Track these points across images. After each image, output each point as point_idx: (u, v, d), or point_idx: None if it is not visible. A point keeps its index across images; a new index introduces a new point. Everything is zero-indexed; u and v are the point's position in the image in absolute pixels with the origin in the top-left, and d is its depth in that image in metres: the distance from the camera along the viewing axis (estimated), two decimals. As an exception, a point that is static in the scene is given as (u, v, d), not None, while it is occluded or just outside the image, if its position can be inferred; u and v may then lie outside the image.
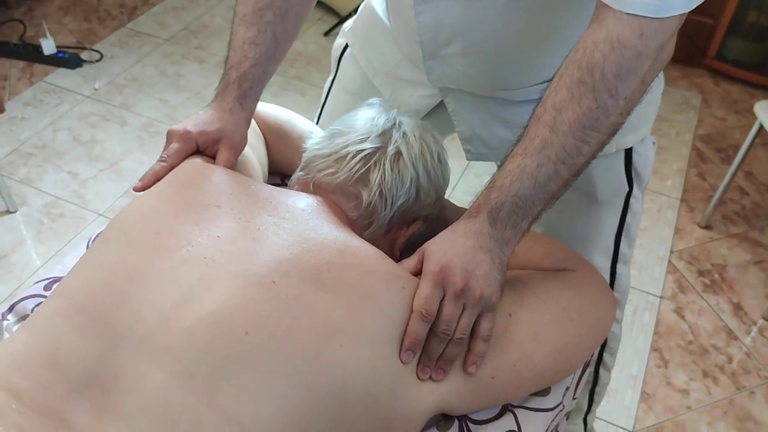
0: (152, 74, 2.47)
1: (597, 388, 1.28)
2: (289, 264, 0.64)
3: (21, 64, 2.45)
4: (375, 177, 0.76)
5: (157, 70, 2.49)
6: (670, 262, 1.91)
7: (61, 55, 2.44)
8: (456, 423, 0.75)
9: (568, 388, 0.81)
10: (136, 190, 0.76)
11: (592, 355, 0.83)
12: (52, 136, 2.17)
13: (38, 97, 2.32)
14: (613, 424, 1.53)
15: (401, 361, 0.65)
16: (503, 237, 0.70)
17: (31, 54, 2.44)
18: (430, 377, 0.68)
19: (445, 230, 0.72)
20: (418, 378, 0.67)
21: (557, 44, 0.77)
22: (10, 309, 0.84)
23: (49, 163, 2.07)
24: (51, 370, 0.57)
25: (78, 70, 2.45)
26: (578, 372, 0.85)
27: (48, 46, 2.43)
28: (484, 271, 0.68)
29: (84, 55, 2.50)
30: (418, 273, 0.71)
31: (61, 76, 2.42)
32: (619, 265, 1.06)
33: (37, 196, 1.96)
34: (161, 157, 0.77)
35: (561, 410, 0.81)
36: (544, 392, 0.78)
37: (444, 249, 0.69)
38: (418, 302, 0.66)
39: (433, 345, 0.67)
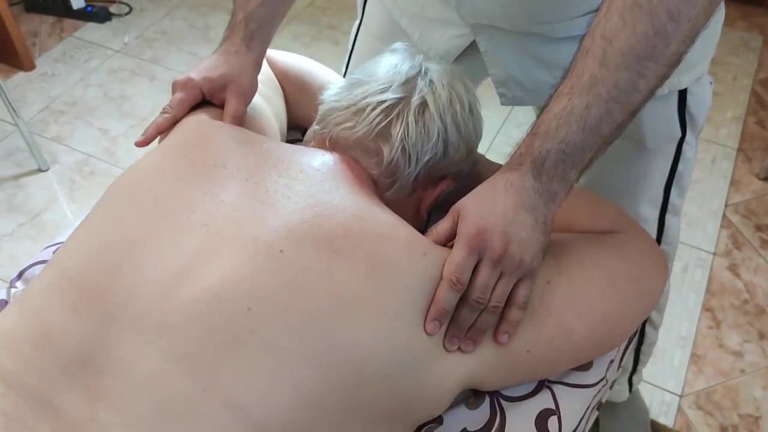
0: (182, 27, 2.40)
1: (643, 347, 1.20)
2: (300, 230, 0.58)
3: (50, 19, 2.41)
4: (397, 131, 0.68)
5: (186, 23, 2.42)
6: (724, 216, 1.79)
7: (89, 9, 2.39)
8: (487, 400, 0.69)
9: (612, 361, 0.74)
10: (138, 144, 0.71)
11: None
12: (83, 92, 2.14)
13: (68, 52, 2.28)
14: (661, 388, 1.46)
15: (426, 332, 0.58)
16: (550, 190, 0.62)
17: (60, 9, 2.40)
18: (459, 349, 0.61)
19: (482, 185, 0.64)
20: (446, 349, 0.61)
21: None
22: (19, 276, 0.81)
23: (79, 120, 2.04)
24: (41, 350, 0.53)
25: (107, 24, 2.40)
26: (623, 344, 0.78)
27: (77, 0, 2.38)
28: (526, 233, 0.61)
29: (113, 9, 2.45)
30: (452, 237, 0.64)
31: (90, 30, 2.37)
32: (668, 216, 0.98)
33: (68, 154, 1.94)
34: (164, 108, 0.71)
35: (604, 385, 0.74)
36: (585, 367, 0.72)
37: (482, 209, 0.61)
38: (449, 268, 0.59)
39: (464, 314, 0.60)
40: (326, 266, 0.56)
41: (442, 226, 0.64)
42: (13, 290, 0.78)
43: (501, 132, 1.98)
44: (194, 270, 0.55)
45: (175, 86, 0.73)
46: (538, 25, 0.79)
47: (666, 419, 1.41)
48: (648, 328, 1.16)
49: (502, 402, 0.69)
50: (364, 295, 0.56)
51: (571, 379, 0.71)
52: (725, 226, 1.77)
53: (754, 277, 1.66)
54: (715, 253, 1.71)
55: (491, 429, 0.67)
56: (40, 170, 1.89)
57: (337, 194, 0.63)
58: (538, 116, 0.63)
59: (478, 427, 0.67)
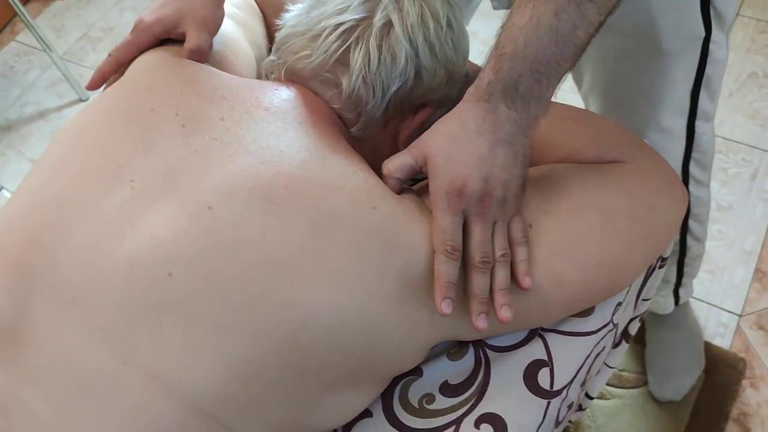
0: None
1: (687, 260, 1.11)
2: (234, 182, 0.52)
3: (86, -59, 2.37)
4: (356, 59, 0.60)
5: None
6: (804, 114, 1.60)
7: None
8: (471, 350, 0.64)
9: (620, 304, 0.66)
10: (87, 88, 0.67)
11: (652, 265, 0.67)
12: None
13: (103, -25, 2.24)
14: (717, 307, 1.35)
15: (440, 313, 0.52)
16: (528, 116, 0.55)
17: (94, -71, 2.35)
18: (498, 318, 0.55)
19: (449, 122, 0.56)
20: (477, 328, 0.55)
21: None
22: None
23: (117, 46, 2.03)
24: None
25: (141, -58, 2.33)
26: (639, 281, 0.69)
27: None
28: (507, 172, 0.54)
29: (145, -75, 2.37)
30: (412, 174, 0.57)
31: (124, -50, 2.31)
32: (698, 123, 0.87)
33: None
34: (110, 51, 0.66)
35: (610, 330, 0.66)
36: (585, 313, 0.64)
37: (455, 159, 0.54)
38: (437, 238, 0.53)
39: (477, 281, 0.54)
40: (259, 223, 0.50)
41: (401, 161, 0.57)
42: None
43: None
44: (113, 234, 0.50)
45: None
46: None
47: (722, 341, 1.31)
48: (690, 241, 1.06)
49: (488, 352, 0.64)
50: (301, 256, 0.50)
51: (567, 327, 0.64)
52: (805, 125, 1.58)
53: (834, 182, 1.49)
54: (790, 157, 1.53)
55: (473, 383, 0.62)
56: (80, 100, 1.89)
57: (285, 137, 0.56)
58: (501, 30, 0.53)
59: (460, 380, 0.62)
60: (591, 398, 0.82)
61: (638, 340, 1.28)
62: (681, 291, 1.18)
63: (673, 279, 1.15)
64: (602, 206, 0.59)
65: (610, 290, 0.62)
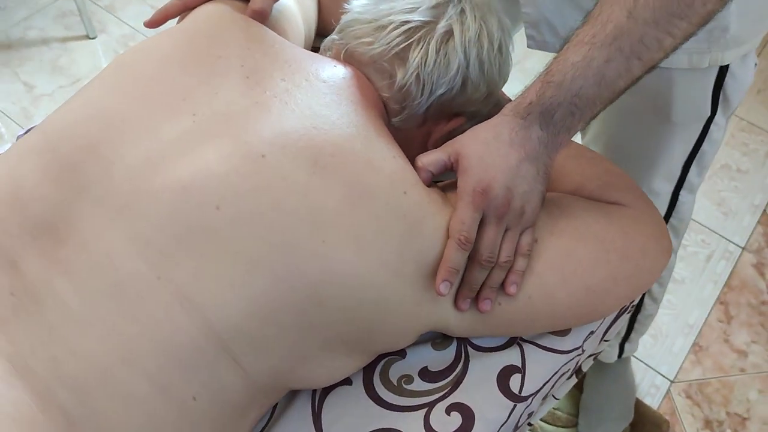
0: None
1: (639, 317, 1.18)
2: (288, 138, 0.56)
3: None
4: (415, 56, 0.65)
5: None
6: (764, 212, 1.71)
7: None
8: (454, 343, 0.69)
9: (592, 333, 0.72)
10: (145, 25, 0.69)
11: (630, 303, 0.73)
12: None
13: None
14: (653, 369, 1.44)
15: (437, 292, 0.57)
16: (555, 141, 0.60)
17: None
18: (478, 307, 0.62)
19: (485, 129, 0.61)
20: (458, 309, 0.61)
21: None
22: (27, 132, 0.81)
23: (134, -7, 2.03)
24: (11, 206, 0.53)
25: None
26: (610, 317, 0.75)
27: None
28: (528, 185, 0.59)
29: None
30: (444, 170, 0.62)
31: None
32: (682, 193, 0.94)
33: (117, 26, 1.94)
34: None
35: (579, 354, 0.72)
36: (563, 333, 0.70)
37: (486, 162, 0.59)
38: (455, 227, 0.58)
39: (476, 274, 0.60)
40: (304, 180, 0.54)
41: (435, 157, 0.62)
42: (17, 146, 0.79)
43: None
44: (170, 158, 0.54)
45: None
46: None
47: (652, 401, 1.40)
48: (647, 299, 1.14)
49: (469, 349, 0.68)
50: (335, 218, 0.54)
51: (544, 342, 0.69)
52: (763, 223, 1.70)
53: (779, 280, 1.60)
54: (744, 248, 1.65)
55: (452, 373, 0.67)
56: (87, 37, 1.89)
57: (337, 111, 0.60)
58: (553, 60, 0.59)
59: (439, 369, 0.67)
60: (530, 425, 0.88)
61: (576, 385, 1.35)
62: (627, 345, 1.26)
63: (623, 332, 1.23)
64: (600, 240, 0.65)
65: (590, 316, 0.68)
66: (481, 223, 0.59)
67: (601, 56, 0.56)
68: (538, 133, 0.59)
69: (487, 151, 0.60)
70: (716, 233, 1.66)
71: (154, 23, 0.70)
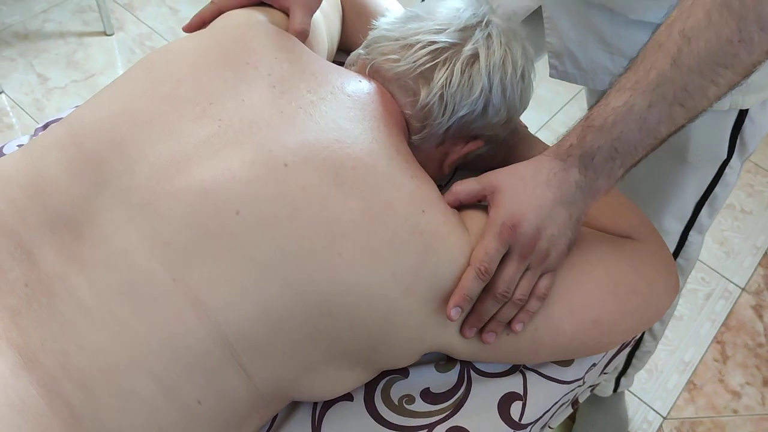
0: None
1: (638, 353, 1.18)
2: (311, 149, 0.56)
3: None
4: (440, 76, 0.65)
5: None
6: (766, 254, 1.72)
7: None
8: (458, 367, 0.69)
9: (594, 365, 0.72)
10: (184, 30, 0.70)
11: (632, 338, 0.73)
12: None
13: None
14: (647, 404, 1.44)
15: (448, 317, 0.58)
16: (593, 187, 0.60)
17: None
18: (481, 338, 0.62)
19: (524, 167, 0.61)
20: (463, 335, 0.61)
21: None
22: (45, 127, 0.82)
23: (154, -7, 2.05)
24: (32, 197, 0.53)
25: None
26: (613, 351, 0.75)
27: None
28: (558, 229, 0.59)
29: None
30: (474, 201, 0.63)
31: None
32: (692, 233, 0.94)
33: (134, 25, 1.95)
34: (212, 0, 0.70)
35: (580, 385, 0.72)
36: (566, 363, 0.70)
37: (519, 199, 0.59)
38: (477, 256, 0.58)
39: (487, 305, 0.60)
40: (325, 192, 0.55)
41: (469, 187, 0.62)
42: (34, 138, 0.79)
43: (563, 111, 1.92)
44: (193, 160, 0.54)
45: None
46: None
47: (643, 436, 1.39)
48: (647, 336, 1.14)
49: (472, 374, 0.68)
50: (352, 232, 0.54)
51: (547, 371, 0.69)
52: (764, 265, 1.70)
53: (777, 323, 1.61)
54: (744, 289, 1.65)
55: (453, 396, 0.67)
56: (104, 33, 1.90)
57: (361, 125, 0.61)
58: (595, 105, 0.59)
59: (441, 391, 0.67)
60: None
61: (569, 416, 1.35)
62: (623, 380, 1.26)
63: (620, 367, 1.23)
64: (610, 273, 0.65)
65: (594, 348, 0.68)
66: (504, 258, 0.59)
67: (643, 102, 0.56)
68: (576, 176, 0.59)
69: (522, 187, 0.60)
70: (717, 272, 1.66)
71: (191, 28, 0.71)
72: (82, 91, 1.77)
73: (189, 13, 1.99)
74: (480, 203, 0.64)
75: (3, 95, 1.70)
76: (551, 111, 1.90)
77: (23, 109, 1.71)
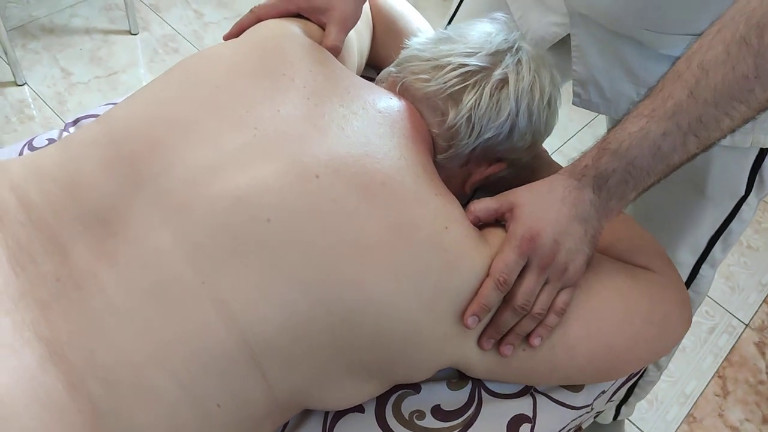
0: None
1: (640, 382, 1.18)
2: (342, 163, 0.57)
3: None
4: (469, 99, 0.67)
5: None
6: (772, 292, 1.72)
7: None
8: (469, 385, 0.69)
9: (603, 392, 0.73)
10: (224, 38, 0.71)
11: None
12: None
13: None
14: (645, 434, 1.44)
15: (464, 324, 0.59)
16: (606, 207, 0.61)
17: None
18: (499, 350, 0.62)
19: (541, 183, 0.63)
20: (480, 347, 0.62)
21: None
22: (75, 122, 0.83)
23: (180, -4, 2.07)
24: (67, 193, 0.54)
25: None
26: (621, 380, 0.76)
27: None
28: (575, 243, 0.60)
29: None
30: (492, 218, 0.64)
31: None
32: (704, 266, 0.95)
33: (159, 25, 1.97)
34: (253, 7, 0.71)
35: (588, 411, 0.73)
36: (576, 388, 0.70)
37: (537, 213, 0.60)
38: (497, 267, 0.59)
39: (506, 318, 0.61)
40: (354, 205, 0.56)
41: (486, 205, 0.63)
42: (65, 134, 0.80)
43: (576, 137, 1.93)
44: (229, 167, 0.55)
45: None
46: (642, 30, 0.74)
47: (640, 466, 1.39)
48: (651, 366, 1.14)
49: (483, 393, 0.69)
50: (378, 247, 0.55)
51: (557, 395, 0.70)
52: (769, 302, 1.71)
53: (779, 361, 1.61)
54: (748, 325, 1.65)
55: (463, 415, 0.67)
56: (129, 32, 1.92)
57: (390, 142, 0.62)
58: (611, 129, 0.61)
59: (452, 409, 0.67)
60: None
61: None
62: (623, 408, 1.26)
63: (621, 395, 1.23)
64: (627, 302, 0.66)
65: (606, 374, 0.68)
66: (523, 270, 0.60)
67: (658, 129, 0.57)
68: (590, 196, 0.61)
69: (540, 203, 0.61)
70: (722, 306, 1.67)
71: (230, 37, 0.72)
72: (103, 88, 1.79)
73: (214, 18, 2.01)
74: (499, 221, 0.65)
75: (26, 87, 1.72)
76: (565, 136, 1.91)
77: (45, 102, 1.72)
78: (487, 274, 0.60)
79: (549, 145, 0.80)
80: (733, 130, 0.57)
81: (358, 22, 0.84)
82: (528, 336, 0.62)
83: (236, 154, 0.56)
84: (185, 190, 0.54)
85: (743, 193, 0.85)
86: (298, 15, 0.73)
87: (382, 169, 0.58)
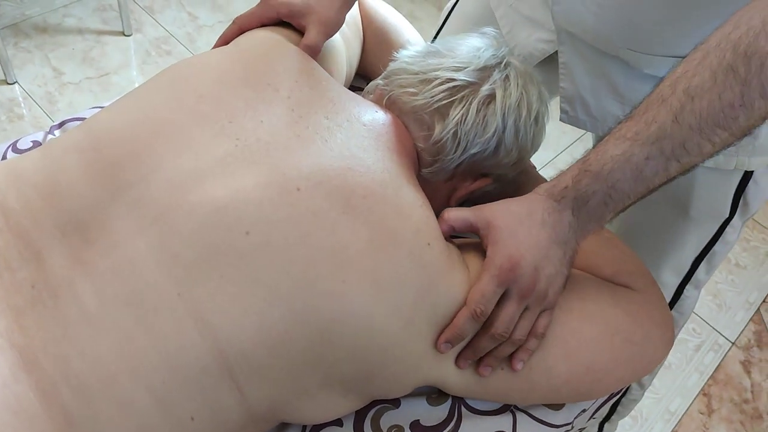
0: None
1: (623, 400, 1.18)
2: (324, 175, 0.57)
3: None
4: (455, 114, 0.66)
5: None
6: (758, 311, 1.73)
7: None
8: (449, 401, 0.69)
9: (584, 411, 0.72)
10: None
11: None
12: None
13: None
14: (629, 451, 1.43)
15: (438, 348, 0.59)
16: (584, 229, 0.61)
17: None
18: (477, 371, 0.62)
19: (518, 204, 0.62)
20: (457, 366, 0.61)
21: (719, 6, 0.61)
22: (60, 125, 0.82)
23: (174, -2, 2.07)
24: (46, 199, 0.54)
25: None
26: (602, 399, 0.76)
27: None
28: (555, 268, 0.60)
29: None
30: (466, 230, 0.63)
31: None
32: (688, 287, 0.95)
33: (153, 27, 1.97)
34: (234, 18, 0.71)
35: (568, 430, 0.72)
36: (556, 407, 0.70)
37: (517, 239, 0.59)
38: (474, 297, 0.59)
39: (485, 343, 0.60)
40: (334, 218, 0.55)
41: (462, 216, 0.62)
42: (49, 136, 0.79)
43: (568, 150, 1.93)
44: (209, 177, 0.55)
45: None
46: (628, 50, 0.74)
47: (623, 483, 1.39)
48: (634, 384, 1.14)
49: (463, 409, 0.68)
50: (358, 260, 0.55)
51: (537, 413, 0.69)
52: (755, 321, 1.71)
53: (764, 381, 1.61)
54: (734, 344, 1.65)
55: (443, 430, 0.67)
56: (123, 34, 1.92)
57: (374, 155, 0.61)
58: (592, 150, 0.60)
59: (431, 424, 0.67)
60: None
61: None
62: (606, 425, 1.26)
63: (605, 413, 1.22)
64: (607, 321, 0.66)
65: (586, 394, 0.68)
66: (502, 298, 0.60)
67: (641, 153, 0.57)
68: (569, 217, 0.60)
69: (519, 227, 0.60)
70: (708, 324, 1.67)
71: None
72: (94, 88, 1.78)
73: (208, 21, 2.01)
74: (475, 237, 0.65)
75: (16, 85, 1.71)
76: (557, 149, 1.91)
77: (35, 101, 1.71)
78: (465, 300, 0.59)
79: (541, 158, 0.80)
80: (712, 155, 0.57)
81: (348, 31, 0.84)
82: (509, 358, 0.62)
83: (217, 163, 0.56)
84: (164, 199, 0.53)
85: (727, 215, 0.85)
86: (281, 23, 0.73)
87: (364, 183, 0.58)
